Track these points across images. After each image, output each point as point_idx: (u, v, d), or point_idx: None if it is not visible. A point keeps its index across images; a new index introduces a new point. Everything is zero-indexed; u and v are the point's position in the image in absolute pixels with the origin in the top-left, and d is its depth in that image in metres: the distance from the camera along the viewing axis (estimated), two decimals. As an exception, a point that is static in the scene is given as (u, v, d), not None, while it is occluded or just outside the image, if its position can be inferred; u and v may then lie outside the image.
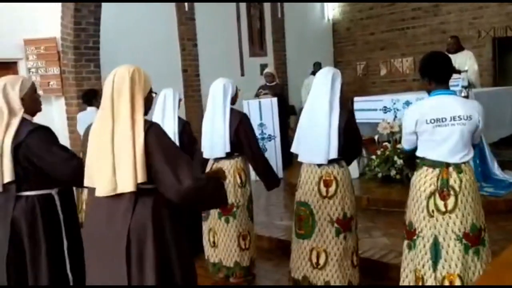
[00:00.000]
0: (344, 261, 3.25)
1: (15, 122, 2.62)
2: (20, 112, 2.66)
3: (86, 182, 2.16)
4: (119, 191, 2.07)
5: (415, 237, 2.79)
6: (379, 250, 4.05)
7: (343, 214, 3.23)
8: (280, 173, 7.24)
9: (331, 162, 3.22)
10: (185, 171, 2.08)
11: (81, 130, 5.49)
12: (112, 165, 2.07)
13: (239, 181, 3.88)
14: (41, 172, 2.64)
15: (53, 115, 6.57)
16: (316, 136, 3.20)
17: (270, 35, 9.91)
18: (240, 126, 3.83)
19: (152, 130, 2.11)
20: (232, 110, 3.89)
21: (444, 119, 2.67)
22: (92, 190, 2.17)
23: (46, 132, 2.70)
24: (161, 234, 2.11)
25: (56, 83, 6.64)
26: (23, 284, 2.64)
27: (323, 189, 3.24)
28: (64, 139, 6.27)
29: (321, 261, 3.26)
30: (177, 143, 4.19)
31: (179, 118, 4.40)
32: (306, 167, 3.34)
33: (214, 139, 3.84)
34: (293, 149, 3.40)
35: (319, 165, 3.25)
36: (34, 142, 2.60)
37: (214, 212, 3.92)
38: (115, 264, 2.09)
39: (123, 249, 2.06)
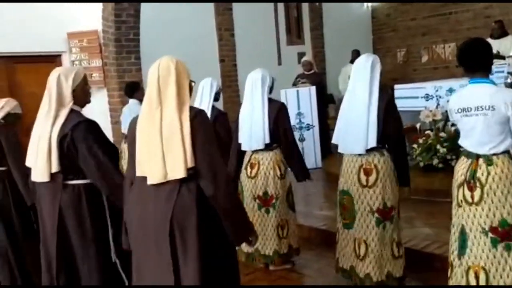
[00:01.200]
0: (383, 252, 3.21)
1: (63, 114, 2.69)
2: (69, 104, 2.72)
3: (138, 172, 2.22)
4: (169, 178, 2.13)
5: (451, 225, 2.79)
6: (421, 241, 3.98)
7: (383, 203, 3.19)
8: (318, 163, 7.21)
9: (371, 150, 3.17)
10: (221, 172, 2.20)
11: (124, 123, 5.60)
12: (161, 154, 2.13)
13: (278, 172, 3.89)
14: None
15: (96, 106, 6.71)
16: (355, 126, 3.17)
17: (308, 23, 9.81)
18: (279, 114, 3.84)
19: (198, 118, 2.16)
20: (270, 100, 3.89)
21: (469, 109, 2.62)
22: (140, 179, 2.22)
23: (91, 127, 2.74)
24: (205, 218, 2.15)
25: (98, 75, 6.81)
26: (72, 270, 2.74)
27: (363, 178, 3.21)
28: (106, 130, 6.42)
29: (362, 252, 3.24)
30: None
31: (214, 108, 4.40)
32: (346, 156, 3.31)
33: (253, 131, 3.86)
34: (334, 140, 3.37)
35: (359, 154, 3.21)
36: (77, 135, 2.66)
37: (252, 204, 3.93)
38: (161, 248, 2.14)
39: (166, 233, 2.12)
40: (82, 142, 2.65)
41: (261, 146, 3.85)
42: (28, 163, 2.84)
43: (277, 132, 3.87)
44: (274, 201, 3.88)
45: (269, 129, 3.82)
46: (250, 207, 3.94)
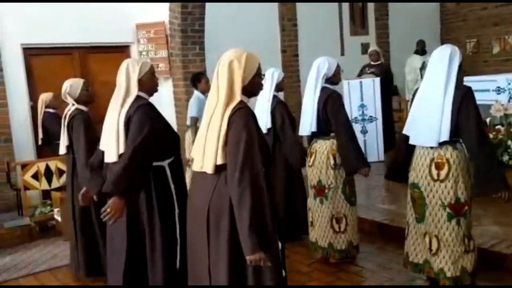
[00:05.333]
0: (457, 248, 3.11)
1: (130, 100, 2.90)
2: (134, 92, 2.92)
3: (192, 154, 2.40)
4: (203, 169, 2.25)
5: None
6: (489, 239, 3.84)
7: (456, 198, 3.09)
8: (381, 156, 7.08)
9: (444, 144, 3.07)
10: (242, 171, 2.08)
11: (191, 111, 5.73)
12: (203, 145, 2.25)
13: (332, 162, 3.84)
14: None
15: (162, 96, 6.92)
16: (428, 118, 3.07)
17: (373, 13, 9.57)
18: (327, 102, 3.78)
19: (237, 114, 2.18)
20: (324, 88, 3.83)
21: None
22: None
23: (146, 110, 2.89)
24: None
25: (164, 66, 7.00)
26: (141, 244, 2.91)
27: (434, 172, 3.11)
28: (171, 119, 6.62)
29: (434, 247, 3.16)
30: (270, 121, 4.28)
31: (275, 97, 4.40)
32: (418, 149, 3.23)
33: (304, 118, 3.90)
34: (405, 131, 3.30)
35: (432, 147, 3.13)
36: (135, 116, 2.84)
37: (310, 192, 3.98)
38: (200, 231, 2.29)
39: (204, 221, 2.25)
40: (133, 122, 2.81)
41: (307, 133, 3.89)
42: (102, 146, 3.04)
43: (328, 119, 3.81)
44: (326, 191, 3.85)
45: (317, 117, 3.79)
46: (310, 196, 4.02)
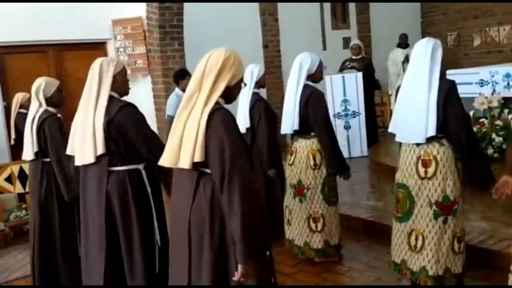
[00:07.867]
0: (441, 246, 3.04)
1: (104, 99, 2.78)
2: (107, 91, 2.79)
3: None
4: (179, 165, 2.12)
5: None
6: (477, 235, 3.77)
7: (443, 196, 3.01)
8: (364, 151, 7.02)
9: (430, 140, 2.99)
10: (231, 178, 2.00)
11: (169, 109, 5.56)
12: (179, 140, 2.11)
13: (312, 162, 3.77)
14: (130, 147, 2.80)
15: (140, 93, 6.76)
16: (413, 114, 2.99)
17: (354, 7, 9.50)
18: (309, 100, 3.69)
19: (216, 115, 2.08)
20: (305, 86, 3.74)
21: None
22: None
23: (134, 110, 2.85)
24: (220, 218, 2.09)
25: (142, 62, 6.82)
26: (117, 248, 2.80)
27: (422, 170, 3.03)
28: (150, 117, 6.45)
29: (418, 245, 3.10)
30: (248, 120, 4.13)
31: (255, 94, 4.21)
32: (404, 146, 3.15)
33: (285, 115, 3.82)
34: (391, 129, 3.20)
35: (418, 144, 3.04)
36: (123, 118, 2.76)
37: (290, 191, 3.90)
38: (181, 231, 2.19)
39: (186, 223, 2.15)
40: (130, 125, 2.77)
41: (289, 131, 3.79)
42: (69, 151, 2.89)
43: (309, 118, 3.72)
44: (305, 191, 3.79)
45: (299, 115, 3.70)
46: (288, 194, 3.95)
